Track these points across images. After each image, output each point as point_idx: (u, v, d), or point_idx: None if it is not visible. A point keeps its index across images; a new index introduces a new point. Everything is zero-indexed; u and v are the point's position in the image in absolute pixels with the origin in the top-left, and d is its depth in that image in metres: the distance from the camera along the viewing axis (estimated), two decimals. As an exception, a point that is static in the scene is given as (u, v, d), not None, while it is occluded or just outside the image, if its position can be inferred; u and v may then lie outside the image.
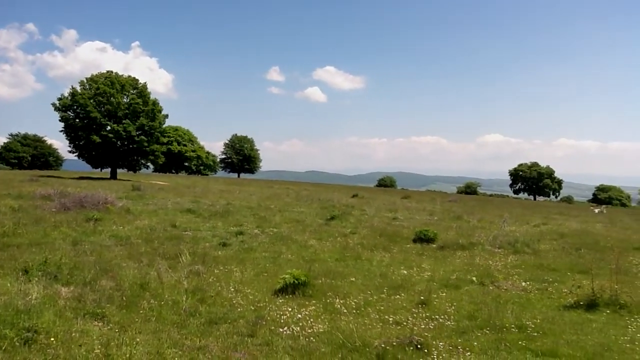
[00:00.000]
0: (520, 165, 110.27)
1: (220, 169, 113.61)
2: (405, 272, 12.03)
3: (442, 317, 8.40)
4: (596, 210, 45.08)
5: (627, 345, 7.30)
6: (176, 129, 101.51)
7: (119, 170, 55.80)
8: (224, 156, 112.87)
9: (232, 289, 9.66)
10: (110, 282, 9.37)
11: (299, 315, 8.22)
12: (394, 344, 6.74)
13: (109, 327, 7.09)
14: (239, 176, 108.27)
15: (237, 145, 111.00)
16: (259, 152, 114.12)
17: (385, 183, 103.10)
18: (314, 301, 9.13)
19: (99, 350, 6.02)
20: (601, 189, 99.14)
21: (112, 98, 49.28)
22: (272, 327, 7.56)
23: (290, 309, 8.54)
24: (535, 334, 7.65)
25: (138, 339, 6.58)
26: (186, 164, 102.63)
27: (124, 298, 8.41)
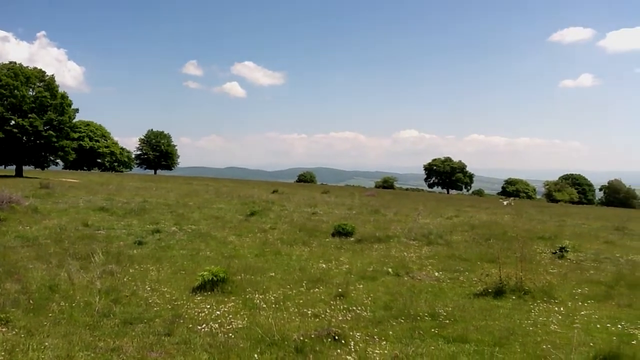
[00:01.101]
0: (435, 160, 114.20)
1: (135, 166, 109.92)
2: (324, 265, 12.20)
3: (360, 308, 8.59)
4: (504, 203, 47.27)
5: (531, 328, 7.78)
6: (88, 124, 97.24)
7: (25, 168, 52.76)
8: (139, 152, 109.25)
9: (148, 288, 9.44)
10: (16, 285, 8.90)
11: (218, 312, 8.16)
12: (312, 336, 6.84)
13: (14, 332, 6.74)
14: (155, 173, 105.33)
15: (153, 141, 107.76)
16: (176, 148, 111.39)
17: (305, 178, 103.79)
18: (233, 297, 9.08)
19: (2, 357, 5.71)
20: (509, 182, 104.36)
21: (16, 91, 46.50)
22: (190, 325, 7.46)
23: (208, 306, 8.45)
24: (447, 321, 7.99)
25: (47, 343, 6.30)
26: (99, 160, 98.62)
27: (31, 301, 8.02)
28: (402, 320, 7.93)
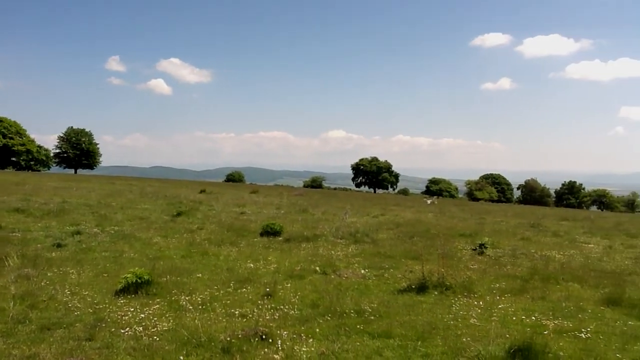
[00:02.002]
0: (362, 159, 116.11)
1: (54, 165, 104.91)
2: (252, 265, 12.16)
3: (287, 307, 8.64)
4: (428, 202, 48.76)
5: (452, 322, 8.10)
6: (1, 121, 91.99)
7: None
8: (58, 151, 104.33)
9: (68, 292, 9.08)
10: None
11: (142, 315, 7.96)
12: (240, 336, 6.82)
13: None
14: (76, 172, 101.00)
15: (74, 138, 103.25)
16: (98, 146, 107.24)
17: (234, 178, 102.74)
18: (158, 299, 8.89)
19: None
20: (433, 181, 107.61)
21: None
22: (113, 329, 7.25)
23: (132, 309, 8.23)
24: (372, 317, 8.18)
25: (-45, 353, 5.96)
26: (14, 159, 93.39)
27: (-62, 309, 7.55)
28: (328, 318, 8.04)
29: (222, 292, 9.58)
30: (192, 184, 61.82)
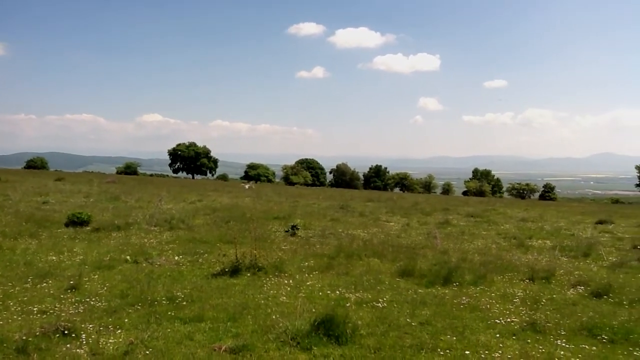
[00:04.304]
0: (179, 145, 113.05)
1: None
2: (54, 258, 11.31)
3: (94, 299, 8.23)
4: (246, 187, 49.47)
5: (262, 302, 8.39)
6: None
7: None
8: None
9: None
10: None
11: None
12: (37, 333, 6.36)
13: None
14: None
15: None
16: None
17: (35, 165, 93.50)
18: (-62, 302, 7.89)
19: None
20: (251, 166, 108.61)
21: None
22: None
23: None
24: (185, 302, 8.15)
25: None
26: None
27: None
28: (139, 307, 7.84)
29: (18, 288, 8.78)
30: (-17, 171, 55.18)
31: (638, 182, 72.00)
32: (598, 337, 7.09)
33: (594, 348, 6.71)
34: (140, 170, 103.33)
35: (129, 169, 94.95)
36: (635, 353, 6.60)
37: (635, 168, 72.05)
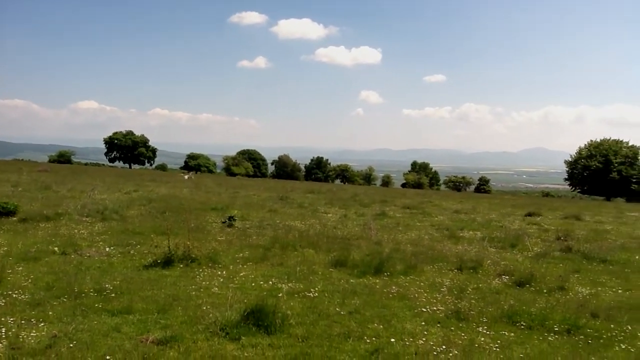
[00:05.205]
0: (116, 133, 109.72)
1: None
2: (-25, 250, 10.85)
3: (17, 292, 7.93)
4: (186, 177, 48.77)
5: (194, 293, 8.35)
6: None
7: None
8: None
9: None
10: None
11: None
12: (-47, 328, 6.12)
13: None
14: None
15: None
16: None
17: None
18: None
19: None
20: (191, 156, 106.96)
21: None
22: None
23: None
24: (113, 295, 8.00)
25: None
26: None
27: None
28: (64, 300, 7.64)
29: None
30: None
31: (566, 177, 75.35)
32: (517, 324, 7.46)
33: (513, 334, 7.07)
34: (74, 159, 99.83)
35: (63, 158, 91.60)
36: (549, 338, 6.99)
37: (565, 163, 75.33)
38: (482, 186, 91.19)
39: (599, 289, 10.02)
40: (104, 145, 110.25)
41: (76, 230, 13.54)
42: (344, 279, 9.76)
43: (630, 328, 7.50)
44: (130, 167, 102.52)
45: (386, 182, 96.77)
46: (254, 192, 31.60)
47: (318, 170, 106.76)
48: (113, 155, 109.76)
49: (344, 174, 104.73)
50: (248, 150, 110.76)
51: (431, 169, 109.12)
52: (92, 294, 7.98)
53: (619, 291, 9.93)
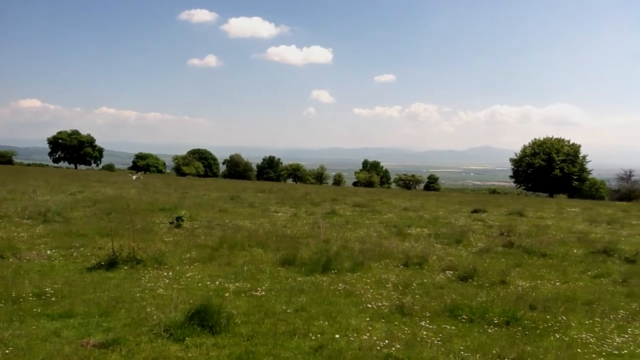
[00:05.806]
0: (60, 133, 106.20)
1: None
2: None
3: (-50, 298, 7.65)
4: (133, 177, 47.72)
5: (138, 295, 8.21)
6: None
7: None
8: None
9: None
10: None
11: None
12: None
13: None
14: None
15: None
16: None
17: None
18: None
19: None
20: (140, 156, 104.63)
21: None
22: None
23: None
24: (54, 298, 7.78)
25: None
26: None
27: None
28: (1, 305, 7.38)
29: None
30: None
31: (512, 174, 77.59)
32: (459, 317, 7.68)
33: (454, 327, 7.28)
34: (16, 159, 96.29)
35: (3, 158, 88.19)
36: (489, 330, 7.23)
37: (510, 161, 77.52)
38: (431, 184, 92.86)
39: (538, 282, 10.42)
40: (48, 145, 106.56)
41: (15, 233, 13.09)
42: (292, 278, 9.80)
43: (565, 318, 7.85)
44: (76, 168, 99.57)
45: (338, 180, 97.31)
46: (204, 192, 31.25)
47: (270, 169, 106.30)
48: (57, 155, 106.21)
49: (296, 173, 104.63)
50: (199, 149, 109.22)
51: (382, 167, 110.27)
52: (30, 298, 7.74)
53: (557, 284, 10.35)
